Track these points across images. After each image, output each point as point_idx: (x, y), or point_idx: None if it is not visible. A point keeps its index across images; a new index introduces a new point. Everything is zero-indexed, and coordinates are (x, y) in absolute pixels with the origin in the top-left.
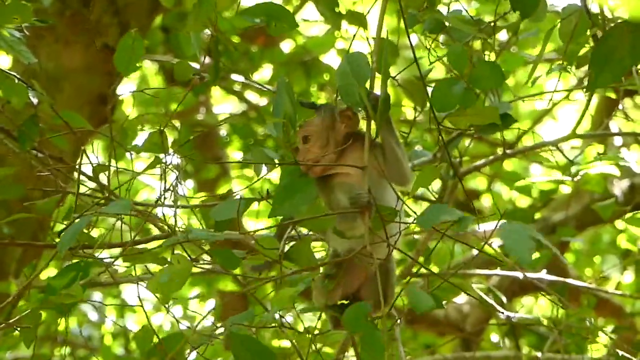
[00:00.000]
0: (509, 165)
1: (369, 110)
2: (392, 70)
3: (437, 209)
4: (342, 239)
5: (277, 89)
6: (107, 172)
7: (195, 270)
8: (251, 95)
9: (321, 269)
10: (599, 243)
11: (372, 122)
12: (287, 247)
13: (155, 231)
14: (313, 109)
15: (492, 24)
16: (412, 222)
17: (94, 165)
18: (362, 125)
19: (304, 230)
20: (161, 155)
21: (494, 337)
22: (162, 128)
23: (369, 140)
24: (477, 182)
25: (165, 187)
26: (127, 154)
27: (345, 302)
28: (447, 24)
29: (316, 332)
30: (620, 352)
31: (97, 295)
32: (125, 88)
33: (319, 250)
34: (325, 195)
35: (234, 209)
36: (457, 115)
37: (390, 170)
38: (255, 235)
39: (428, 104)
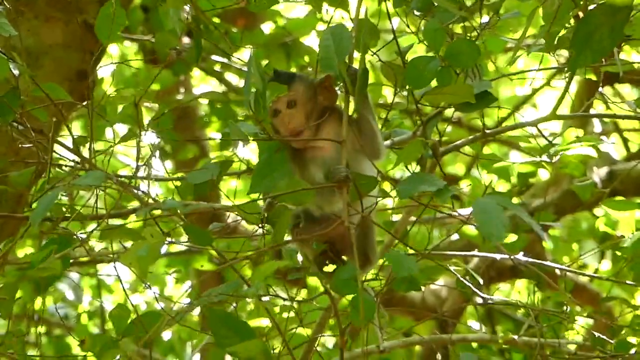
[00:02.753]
0: (488, 151)
1: (348, 85)
2: (373, 51)
3: (417, 178)
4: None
5: (247, 64)
6: (87, 145)
7: (172, 250)
8: (231, 77)
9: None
10: (578, 229)
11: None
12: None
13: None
14: (288, 79)
15: (478, 2)
16: (389, 196)
17: (75, 137)
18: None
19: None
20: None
21: (471, 323)
22: (136, 101)
23: (347, 114)
24: (456, 167)
25: (141, 160)
26: (106, 132)
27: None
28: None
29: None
30: (597, 334)
31: (74, 275)
32: (105, 67)
33: None
34: (299, 170)
35: (210, 173)
36: (433, 94)
37: (365, 144)
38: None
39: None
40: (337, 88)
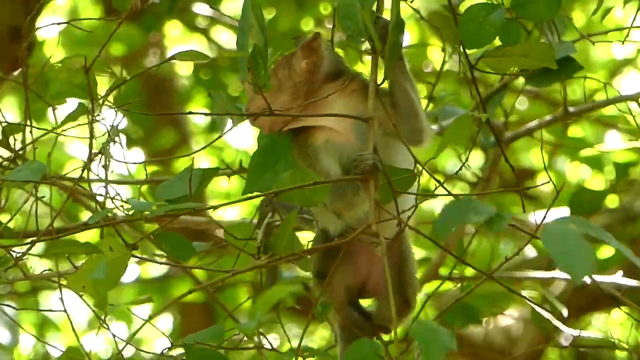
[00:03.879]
0: (577, 133)
1: (376, 41)
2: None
3: (459, 206)
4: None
5: (242, 11)
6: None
7: (145, 276)
8: (221, 35)
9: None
10: None
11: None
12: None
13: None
14: None
15: None
16: (434, 196)
17: (4, 124)
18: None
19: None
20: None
21: None
22: (88, 66)
23: (375, 83)
24: (532, 156)
25: (96, 148)
26: (50, 113)
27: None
28: None
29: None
30: None
31: (8, 309)
32: (49, 22)
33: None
34: (307, 163)
35: (189, 184)
36: (496, 56)
37: (401, 123)
38: (224, 221)
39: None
40: (363, 48)
